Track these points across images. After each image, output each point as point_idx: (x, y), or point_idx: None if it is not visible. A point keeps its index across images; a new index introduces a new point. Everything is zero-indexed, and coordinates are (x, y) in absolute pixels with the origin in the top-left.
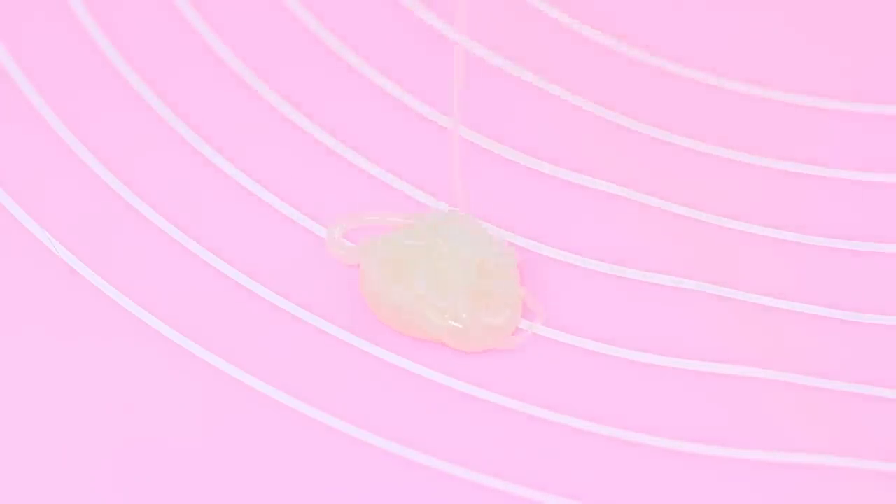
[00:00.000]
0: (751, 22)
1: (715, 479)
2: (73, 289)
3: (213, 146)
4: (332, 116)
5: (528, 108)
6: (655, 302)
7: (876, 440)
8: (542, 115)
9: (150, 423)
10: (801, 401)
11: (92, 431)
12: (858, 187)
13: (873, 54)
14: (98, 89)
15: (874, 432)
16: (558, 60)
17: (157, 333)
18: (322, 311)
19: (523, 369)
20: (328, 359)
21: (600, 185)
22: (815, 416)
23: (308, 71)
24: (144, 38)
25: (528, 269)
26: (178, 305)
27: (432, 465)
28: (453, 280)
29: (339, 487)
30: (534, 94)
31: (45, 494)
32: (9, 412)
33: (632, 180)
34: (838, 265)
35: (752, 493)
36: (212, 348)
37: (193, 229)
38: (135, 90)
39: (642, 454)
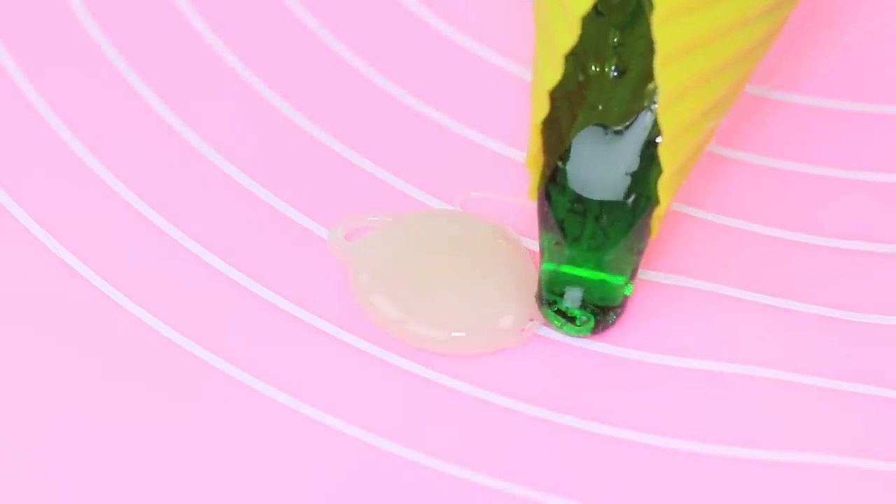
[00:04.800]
0: None
1: (715, 479)
2: (73, 289)
3: (213, 146)
4: (333, 116)
5: (528, 107)
6: (656, 301)
7: (876, 440)
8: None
9: (150, 422)
10: (800, 401)
11: (91, 431)
12: (858, 187)
13: (873, 54)
14: (98, 89)
15: (874, 432)
16: None
17: (156, 333)
18: (322, 311)
19: (524, 369)
20: (328, 359)
21: None
22: (816, 416)
23: (308, 71)
24: (144, 36)
25: None
26: (178, 305)
27: (432, 465)
28: (450, 285)
29: (338, 487)
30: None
31: (43, 494)
32: (8, 411)
33: None
34: (838, 265)
35: (752, 492)
36: (212, 348)
37: (193, 229)
38: (134, 89)
39: (643, 454)
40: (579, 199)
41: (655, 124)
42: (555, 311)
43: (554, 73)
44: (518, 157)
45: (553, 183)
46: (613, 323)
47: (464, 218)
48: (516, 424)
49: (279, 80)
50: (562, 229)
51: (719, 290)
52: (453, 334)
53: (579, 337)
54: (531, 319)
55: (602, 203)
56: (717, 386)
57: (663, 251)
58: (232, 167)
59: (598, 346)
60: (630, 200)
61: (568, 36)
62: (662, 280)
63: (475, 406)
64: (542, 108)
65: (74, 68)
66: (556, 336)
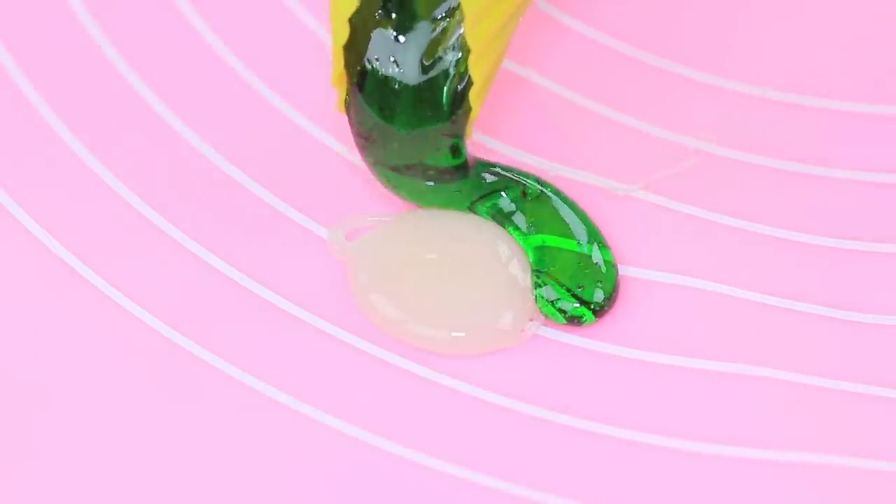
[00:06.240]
0: (751, 22)
1: (715, 479)
2: (73, 289)
3: (213, 146)
4: (333, 116)
5: (530, 107)
6: (656, 301)
7: (876, 440)
8: (545, 114)
9: (150, 422)
10: (801, 401)
11: (92, 431)
12: (858, 187)
13: (873, 54)
14: (98, 89)
15: (874, 432)
16: (561, 60)
17: (156, 333)
18: (322, 311)
19: (524, 369)
20: (328, 359)
21: (600, 183)
22: (816, 416)
23: (308, 71)
24: (144, 36)
25: None
26: (179, 306)
27: (432, 465)
28: (450, 285)
29: (338, 487)
30: (536, 93)
31: (43, 493)
32: (8, 411)
33: (632, 179)
34: (838, 265)
35: (752, 492)
36: (212, 348)
37: (193, 229)
38: (134, 89)
39: (643, 454)
40: (385, 105)
41: (451, 41)
42: (557, 309)
43: (352, 0)
44: (518, 158)
45: (361, 91)
46: (611, 306)
47: (464, 218)
48: (516, 424)
49: (279, 80)
50: (370, 136)
51: (719, 289)
52: (453, 334)
53: (587, 326)
54: (531, 319)
55: (410, 104)
56: (717, 386)
57: (664, 251)
58: (232, 167)
59: (598, 345)
60: (435, 106)
61: None
62: (663, 280)
63: (475, 406)
64: (343, 33)
65: (74, 68)
66: (556, 336)
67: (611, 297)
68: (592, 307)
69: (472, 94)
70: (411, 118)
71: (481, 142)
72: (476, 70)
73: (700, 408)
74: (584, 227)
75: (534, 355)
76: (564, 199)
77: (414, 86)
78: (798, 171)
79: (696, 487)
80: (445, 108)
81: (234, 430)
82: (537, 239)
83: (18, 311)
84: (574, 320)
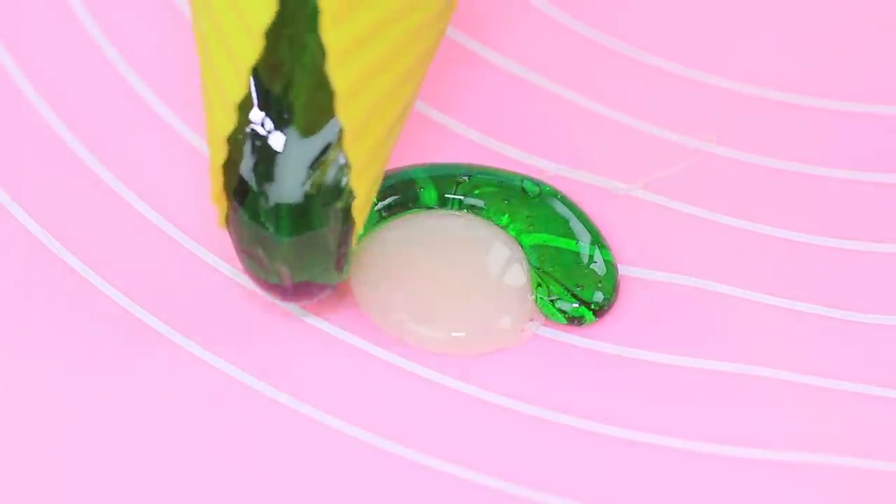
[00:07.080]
0: (751, 22)
1: (715, 479)
2: (73, 289)
3: None
4: None
5: (528, 107)
6: (656, 301)
7: (876, 440)
8: (545, 114)
9: (150, 422)
10: (801, 401)
11: (91, 431)
12: (858, 187)
13: (873, 54)
14: (98, 89)
15: (874, 432)
16: (559, 60)
17: (156, 333)
18: (322, 311)
19: (524, 369)
20: (328, 359)
21: (600, 183)
22: (816, 416)
23: None
24: (144, 36)
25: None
26: (178, 305)
27: (433, 465)
28: (450, 285)
29: (338, 487)
30: (535, 93)
31: (43, 493)
32: (8, 411)
33: (631, 179)
34: (838, 265)
35: (752, 492)
36: (212, 348)
37: (194, 230)
38: (134, 89)
39: (643, 454)
40: (266, 224)
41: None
42: (557, 309)
43: (228, 121)
44: (519, 158)
45: (241, 209)
46: (611, 306)
47: (464, 218)
48: (516, 424)
49: None
50: (253, 254)
51: (720, 289)
52: (453, 334)
53: (587, 326)
54: (531, 319)
55: (291, 223)
56: (717, 386)
57: (664, 251)
58: None
59: (598, 345)
60: (317, 225)
61: (240, 88)
62: (663, 280)
63: (475, 406)
64: (221, 154)
65: (74, 68)
66: (556, 336)
67: (611, 297)
68: (592, 307)
69: (356, 209)
70: (293, 237)
71: (480, 142)
72: (358, 184)
73: (700, 408)
74: (583, 226)
75: (534, 355)
76: (563, 199)
77: (295, 204)
78: (798, 171)
79: (696, 487)
80: (329, 226)
81: (234, 430)
82: (537, 238)
83: (19, 312)
84: (574, 320)
